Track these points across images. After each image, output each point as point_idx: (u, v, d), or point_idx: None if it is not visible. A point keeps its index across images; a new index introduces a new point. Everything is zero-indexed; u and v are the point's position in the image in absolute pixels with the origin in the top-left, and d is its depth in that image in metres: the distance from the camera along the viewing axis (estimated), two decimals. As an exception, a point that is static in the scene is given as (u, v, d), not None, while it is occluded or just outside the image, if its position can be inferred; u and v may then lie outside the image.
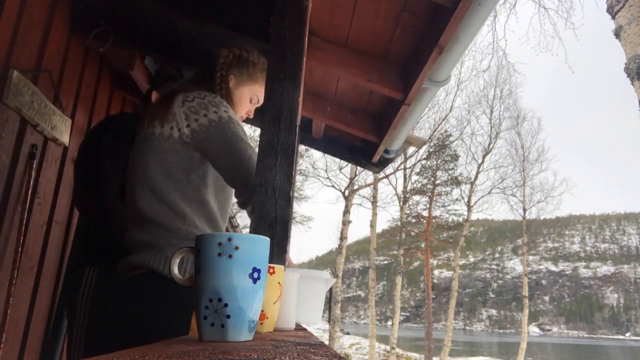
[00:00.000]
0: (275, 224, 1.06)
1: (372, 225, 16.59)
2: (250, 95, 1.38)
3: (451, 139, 19.28)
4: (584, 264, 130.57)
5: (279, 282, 0.81)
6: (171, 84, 1.92)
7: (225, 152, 1.16)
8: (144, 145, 1.18)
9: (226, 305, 0.58)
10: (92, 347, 1.24)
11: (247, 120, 3.10)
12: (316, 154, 17.32)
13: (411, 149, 15.66)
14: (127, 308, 1.10)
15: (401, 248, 18.23)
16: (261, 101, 1.43)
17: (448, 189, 19.93)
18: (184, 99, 1.18)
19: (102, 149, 1.68)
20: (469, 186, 19.19)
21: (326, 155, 14.08)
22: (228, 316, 0.58)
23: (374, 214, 16.57)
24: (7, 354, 1.96)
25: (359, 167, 14.45)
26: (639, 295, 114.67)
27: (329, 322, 15.13)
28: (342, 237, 14.88)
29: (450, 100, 20.39)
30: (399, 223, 19.36)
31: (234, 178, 1.18)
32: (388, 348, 18.31)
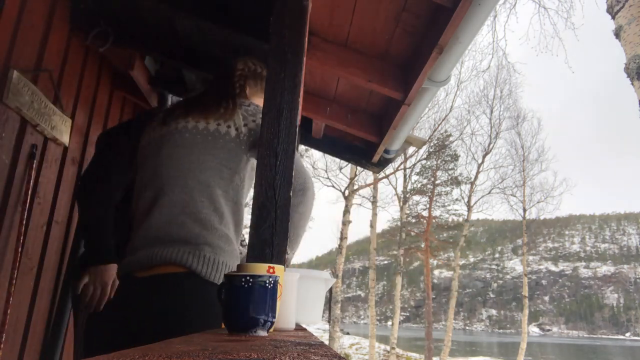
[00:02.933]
0: (275, 224, 1.06)
1: (372, 225, 16.59)
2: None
3: (451, 139, 19.29)
4: (584, 264, 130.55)
5: (279, 282, 0.81)
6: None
7: None
8: (193, 138, 1.19)
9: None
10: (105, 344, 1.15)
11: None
12: (316, 154, 17.32)
13: (411, 149, 15.66)
14: (164, 309, 1.05)
15: (401, 248, 18.23)
16: None
17: (448, 189, 19.94)
18: (240, 103, 1.28)
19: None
20: (469, 186, 19.20)
21: (326, 155, 14.09)
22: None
23: (374, 214, 16.57)
24: (7, 354, 1.96)
25: (359, 167, 14.45)
26: (639, 295, 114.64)
27: (329, 322, 15.12)
28: (342, 237, 14.88)
29: (450, 100, 20.38)
30: (399, 223, 19.36)
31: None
32: (388, 348, 18.30)
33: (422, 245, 19.50)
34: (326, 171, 16.89)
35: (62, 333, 2.31)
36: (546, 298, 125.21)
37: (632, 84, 3.95)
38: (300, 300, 1.05)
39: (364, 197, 17.42)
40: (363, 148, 3.08)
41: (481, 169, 18.95)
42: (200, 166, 1.16)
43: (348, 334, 28.61)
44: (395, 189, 18.81)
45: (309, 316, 1.21)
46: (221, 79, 1.41)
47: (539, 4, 12.22)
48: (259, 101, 1.42)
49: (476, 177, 19.05)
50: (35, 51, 2.07)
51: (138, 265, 1.12)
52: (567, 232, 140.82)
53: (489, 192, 19.11)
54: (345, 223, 14.99)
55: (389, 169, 16.29)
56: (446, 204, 20.28)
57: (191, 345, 0.54)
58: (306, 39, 1.33)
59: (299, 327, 1.16)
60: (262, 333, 0.77)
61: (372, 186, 16.75)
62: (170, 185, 1.15)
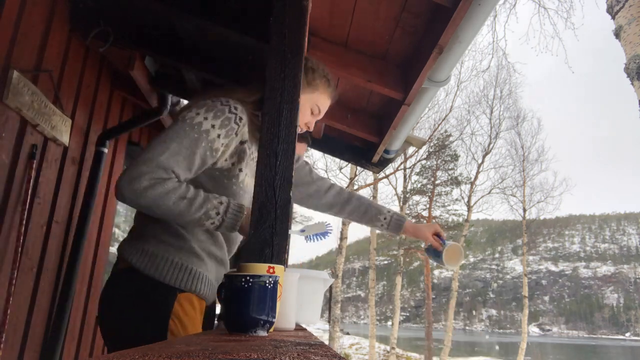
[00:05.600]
0: (275, 224, 1.06)
1: (372, 225, 16.55)
2: (310, 105, 1.31)
3: (451, 139, 19.29)
4: (584, 264, 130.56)
5: (279, 282, 0.81)
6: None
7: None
8: None
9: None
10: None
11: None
12: (316, 154, 17.32)
13: (411, 149, 15.66)
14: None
15: (401, 248, 18.23)
16: (323, 112, 1.34)
17: (448, 189, 19.94)
18: (214, 98, 1.14)
19: None
20: (469, 186, 19.20)
21: (326, 155, 14.09)
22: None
23: (374, 214, 16.52)
24: (7, 354, 1.96)
25: (359, 167, 14.45)
26: (639, 295, 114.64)
27: (329, 322, 15.12)
28: (342, 237, 14.88)
29: (450, 100, 20.41)
30: (399, 223, 19.30)
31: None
32: (388, 348, 18.30)
33: (422, 245, 19.48)
34: (326, 171, 16.89)
35: (62, 333, 2.31)
36: (546, 298, 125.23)
37: (632, 84, 3.95)
38: (299, 300, 1.05)
39: (364, 197, 17.40)
40: (363, 148, 3.08)
41: (481, 169, 18.96)
42: None
43: (348, 334, 28.62)
44: (395, 189, 18.82)
45: (307, 316, 1.21)
46: (258, 80, 1.25)
47: (539, 4, 12.22)
48: (306, 100, 1.28)
49: (476, 177, 19.06)
50: (35, 51, 2.07)
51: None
52: (567, 232, 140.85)
53: (489, 192, 19.12)
54: (345, 223, 14.99)
55: (389, 169, 16.30)
56: (446, 204, 20.28)
57: (191, 345, 0.54)
58: (306, 39, 1.33)
59: (299, 327, 1.16)
60: (262, 333, 0.77)
61: (372, 186, 16.76)
62: None
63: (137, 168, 1.00)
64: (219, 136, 1.09)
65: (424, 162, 19.37)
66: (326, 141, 3.10)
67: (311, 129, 1.38)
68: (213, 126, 1.08)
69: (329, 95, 1.35)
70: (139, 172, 0.99)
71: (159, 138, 1.05)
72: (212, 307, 1.30)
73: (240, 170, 1.18)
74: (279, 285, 0.82)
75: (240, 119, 1.14)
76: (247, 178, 1.20)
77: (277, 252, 1.03)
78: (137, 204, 1.01)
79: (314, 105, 1.32)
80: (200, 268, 1.14)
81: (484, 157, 18.96)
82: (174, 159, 1.03)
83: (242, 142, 1.18)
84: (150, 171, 1.00)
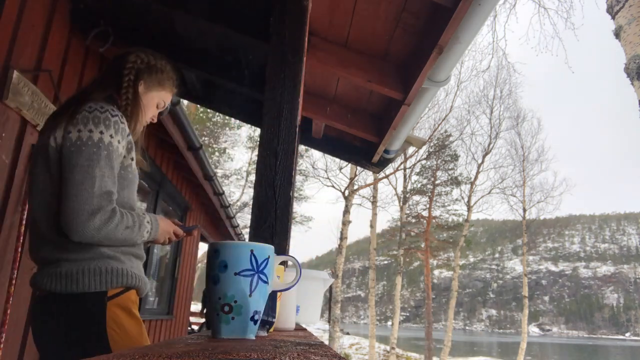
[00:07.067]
0: (275, 224, 1.06)
1: (372, 225, 16.59)
2: (157, 100, 1.39)
3: (451, 139, 19.29)
4: (584, 264, 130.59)
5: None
6: None
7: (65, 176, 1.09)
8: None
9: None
10: None
11: (247, 120, 3.11)
12: (316, 154, 17.33)
13: (411, 149, 15.66)
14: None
15: (401, 248, 18.24)
16: (167, 106, 1.45)
17: (448, 189, 19.94)
18: (85, 109, 1.14)
19: None
20: (468, 186, 19.21)
21: (326, 155, 14.10)
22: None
23: (374, 214, 16.57)
24: (7, 354, 1.96)
25: (359, 167, 14.45)
26: (639, 295, 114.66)
27: (329, 322, 15.12)
28: (342, 237, 14.88)
29: (450, 100, 20.41)
30: (398, 223, 19.36)
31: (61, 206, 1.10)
32: (388, 348, 18.30)
33: (422, 245, 19.49)
34: (326, 171, 16.90)
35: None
36: (546, 298, 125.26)
37: (632, 84, 3.95)
38: (298, 300, 1.05)
39: (364, 197, 17.44)
40: (363, 148, 3.08)
41: (481, 169, 18.97)
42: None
43: (348, 334, 28.61)
44: (395, 189, 18.83)
45: (307, 316, 1.21)
46: (108, 75, 1.32)
47: (539, 4, 12.22)
48: (155, 97, 1.37)
49: (476, 177, 19.07)
50: (35, 51, 2.07)
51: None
52: (567, 232, 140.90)
53: (489, 192, 19.13)
54: (345, 223, 15.00)
55: (389, 169, 16.30)
56: (446, 204, 20.30)
57: (191, 345, 0.54)
58: (306, 39, 1.33)
59: (299, 327, 1.16)
60: (262, 333, 0.77)
61: (372, 186, 16.76)
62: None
63: (82, 208, 1.05)
64: (119, 142, 1.16)
65: (424, 162, 19.39)
66: (326, 141, 3.10)
67: (155, 121, 1.44)
68: (112, 136, 1.14)
69: (172, 91, 1.44)
70: (88, 211, 1.05)
71: (77, 172, 1.08)
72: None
73: (132, 159, 1.23)
74: (279, 285, 0.82)
75: (121, 115, 1.19)
76: (133, 163, 1.26)
77: (277, 252, 1.03)
78: (93, 240, 1.08)
79: (160, 100, 1.40)
80: (119, 265, 1.16)
81: (484, 157, 18.97)
82: (104, 182, 1.09)
83: (128, 134, 1.22)
84: (97, 207, 1.07)
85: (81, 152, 1.09)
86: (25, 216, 2.02)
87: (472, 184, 19.10)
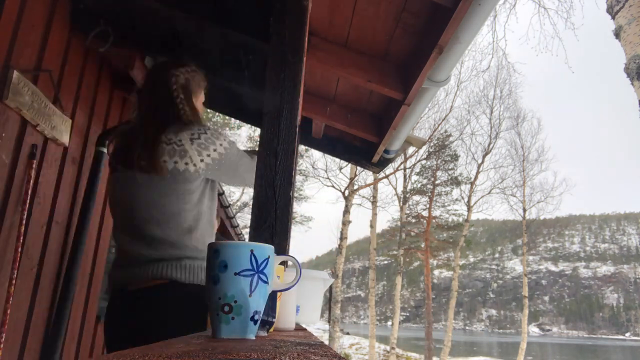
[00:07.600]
0: (275, 224, 1.06)
1: (372, 225, 16.59)
2: (204, 91, 1.62)
3: (451, 139, 19.30)
4: (584, 264, 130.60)
5: (278, 282, 0.81)
6: None
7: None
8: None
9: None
10: None
11: (247, 120, 3.11)
12: (316, 154, 17.34)
13: (411, 149, 15.66)
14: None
15: (401, 248, 18.24)
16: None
17: (448, 189, 19.95)
18: (190, 137, 1.33)
19: None
20: (468, 186, 19.21)
21: (326, 155, 14.09)
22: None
23: (374, 214, 16.57)
24: (7, 354, 1.96)
25: (358, 167, 14.45)
26: (639, 295, 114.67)
27: (329, 322, 15.12)
28: (342, 237, 14.88)
29: (450, 100, 20.38)
30: (398, 223, 19.36)
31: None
32: (388, 348, 18.30)
33: (422, 245, 19.49)
34: (326, 171, 16.91)
35: (62, 333, 2.31)
36: (546, 298, 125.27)
37: (632, 84, 3.95)
38: (298, 300, 1.05)
39: (364, 197, 17.44)
40: (363, 148, 3.07)
41: (481, 169, 18.97)
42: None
43: (348, 334, 28.62)
44: (395, 189, 18.83)
45: (307, 316, 1.21)
46: (159, 101, 1.46)
47: (539, 4, 12.22)
48: (202, 92, 1.60)
49: (476, 177, 19.07)
50: (35, 51, 2.07)
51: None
52: (567, 232, 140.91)
53: (489, 192, 19.13)
54: (345, 223, 14.99)
55: (389, 169, 16.30)
56: (446, 204, 20.30)
57: (191, 345, 0.54)
58: (306, 39, 1.33)
59: (299, 327, 1.16)
60: (262, 333, 0.77)
61: (372, 186, 16.76)
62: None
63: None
64: None
65: (424, 162, 19.39)
66: (326, 141, 3.10)
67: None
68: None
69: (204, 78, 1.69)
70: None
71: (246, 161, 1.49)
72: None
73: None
74: (279, 285, 0.82)
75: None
76: None
77: (277, 252, 1.03)
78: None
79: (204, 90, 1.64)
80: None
81: (484, 157, 18.98)
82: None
83: None
84: None
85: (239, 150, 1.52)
86: (25, 216, 2.02)
87: (472, 184, 19.11)
